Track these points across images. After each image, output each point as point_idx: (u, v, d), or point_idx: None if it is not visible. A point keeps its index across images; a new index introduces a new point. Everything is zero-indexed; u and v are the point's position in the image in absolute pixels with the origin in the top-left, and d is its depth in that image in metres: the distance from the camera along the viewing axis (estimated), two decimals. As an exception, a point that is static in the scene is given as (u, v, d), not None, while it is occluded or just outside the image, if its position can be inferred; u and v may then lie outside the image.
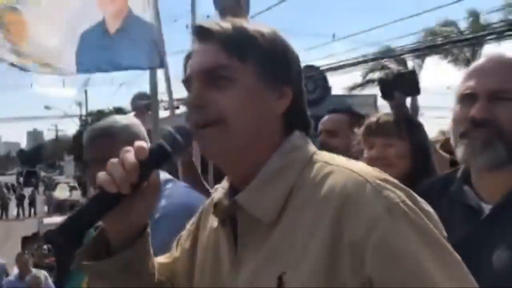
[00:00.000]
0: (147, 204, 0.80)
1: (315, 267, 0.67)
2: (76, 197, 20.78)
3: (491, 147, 1.01)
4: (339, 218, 0.68)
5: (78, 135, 29.13)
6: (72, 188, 22.34)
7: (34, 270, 5.50)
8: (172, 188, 1.55)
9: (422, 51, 14.62)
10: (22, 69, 2.34)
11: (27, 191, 25.07)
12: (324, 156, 0.79)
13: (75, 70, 2.47)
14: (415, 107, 1.89)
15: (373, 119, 1.65)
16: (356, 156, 1.56)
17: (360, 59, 13.62)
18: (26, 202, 23.06)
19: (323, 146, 1.87)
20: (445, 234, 0.71)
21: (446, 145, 1.96)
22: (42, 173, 41.21)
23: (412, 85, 1.76)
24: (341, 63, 12.95)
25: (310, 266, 0.67)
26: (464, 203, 1.07)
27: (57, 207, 20.43)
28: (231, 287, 0.76)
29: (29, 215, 22.20)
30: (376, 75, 17.14)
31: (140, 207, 0.78)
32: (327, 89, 12.12)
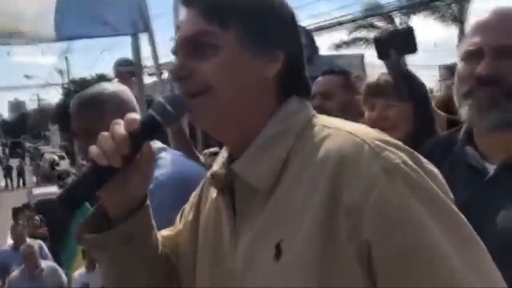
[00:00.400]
0: (143, 176, 0.78)
1: (312, 233, 0.65)
2: (65, 167, 20.66)
3: (498, 107, 0.99)
4: (336, 181, 0.66)
5: (62, 104, 28.54)
6: (60, 158, 22.16)
7: (28, 240, 5.54)
8: (166, 157, 1.52)
9: (409, 8, 14.41)
10: None
11: (14, 162, 24.83)
12: (322, 119, 0.76)
13: (55, 37, 2.36)
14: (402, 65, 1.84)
15: (373, 79, 1.61)
16: (354, 118, 1.53)
17: (347, 18, 13.40)
18: (14, 173, 22.90)
19: (317, 109, 1.83)
20: (451, 196, 0.69)
21: (441, 103, 1.94)
22: (27, 144, 40.68)
23: (408, 43, 1.71)
24: (328, 22, 12.73)
25: (308, 231, 0.66)
26: (467, 163, 1.05)
27: (45, 177, 20.34)
28: (231, 257, 0.75)
29: (18, 186, 22.09)
30: (363, 33, 16.90)
31: (136, 179, 0.77)
32: (315, 48, 11.95)
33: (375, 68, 1.76)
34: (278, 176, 0.72)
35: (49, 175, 19.80)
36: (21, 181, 22.33)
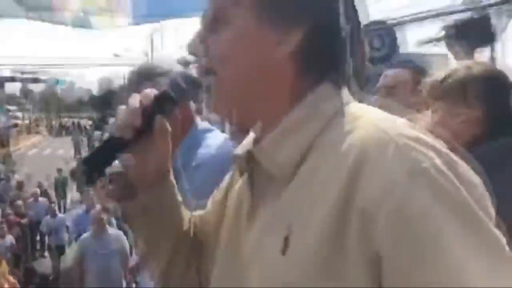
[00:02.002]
0: (159, 150, 0.78)
1: (322, 231, 0.58)
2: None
3: None
4: (353, 180, 0.57)
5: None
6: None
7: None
8: (212, 137, 1.55)
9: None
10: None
11: (97, 135, 27.11)
12: (355, 108, 0.67)
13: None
14: None
15: (438, 77, 1.38)
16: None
17: (437, 12, 12.45)
18: (96, 144, 25.08)
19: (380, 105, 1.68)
20: (491, 212, 0.57)
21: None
22: (111, 119, 43.90)
23: (484, 32, 1.47)
24: (417, 15, 11.92)
25: (317, 229, 0.59)
26: None
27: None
28: (243, 243, 0.71)
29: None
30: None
31: (153, 153, 0.78)
32: (395, 45, 11.36)
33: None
34: (297, 165, 0.65)
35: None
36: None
